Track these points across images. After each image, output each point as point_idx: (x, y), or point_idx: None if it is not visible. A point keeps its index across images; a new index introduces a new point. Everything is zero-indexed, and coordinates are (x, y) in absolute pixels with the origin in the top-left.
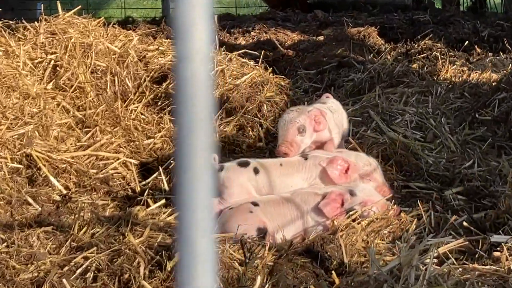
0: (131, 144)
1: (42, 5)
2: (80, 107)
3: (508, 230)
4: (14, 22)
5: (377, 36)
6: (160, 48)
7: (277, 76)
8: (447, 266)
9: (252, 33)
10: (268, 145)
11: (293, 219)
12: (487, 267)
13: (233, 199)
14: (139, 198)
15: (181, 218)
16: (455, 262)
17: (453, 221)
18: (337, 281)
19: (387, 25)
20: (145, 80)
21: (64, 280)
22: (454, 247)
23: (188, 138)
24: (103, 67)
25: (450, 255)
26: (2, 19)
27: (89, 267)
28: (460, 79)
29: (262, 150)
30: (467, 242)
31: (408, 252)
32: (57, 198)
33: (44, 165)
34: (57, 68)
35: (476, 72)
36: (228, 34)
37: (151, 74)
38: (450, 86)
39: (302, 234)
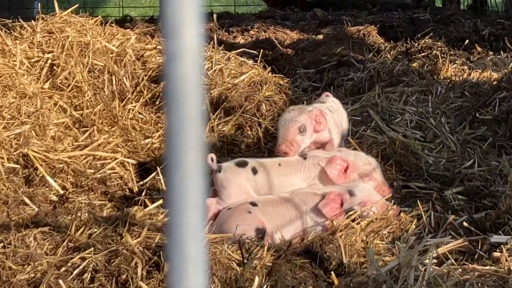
0: (128, 144)
1: (39, 3)
2: (77, 107)
3: (508, 231)
4: (10, 20)
5: (377, 35)
6: (158, 47)
7: (276, 75)
8: (447, 267)
9: (251, 32)
10: (267, 145)
11: (292, 220)
12: (487, 267)
13: (231, 199)
14: (136, 198)
15: (171, 218)
16: (454, 263)
17: (452, 221)
18: (336, 281)
19: (387, 23)
20: (143, 79)
21: (60, 281)
22: (453, 248)
23: (178, 137)
24: (101, 66)
25: (449, 256)
26: None
27: (86, 268)
28: (461, 78)
29: (260, 150)
30: (466, 243)
31: (407, 253)
32: (54, 198)
33: (41, 165)
34: (54, 67)
35: (476, 71)
36: (226, 33)
37: (149, 73)
38: (450, 85)
39: (301, 235)
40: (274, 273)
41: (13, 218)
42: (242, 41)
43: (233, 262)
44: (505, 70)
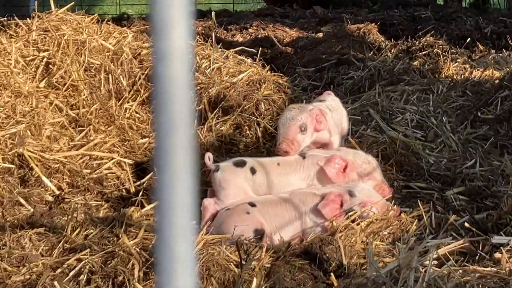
0: (125, 143)
1: (35, 1)
2: (73, 106)
3: (510, 231)
4: (5, 18)
5: (378, 33)
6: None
7: (275, 74)
8: (447, 268)
9: (250, 30)
10: (266, 145)
11: (291, 220)
12: (488, 269)
13: (229, 200)
14: (133, 199)
15: (160, 218)
16: (455, 264)
17: (453, 222)
18: (335, 283)
19: (387, 21)
20: (140, 78)
21: (56, 282)
22: (455, 249)
23: (167, 137)
24: (97, 64)
25: (450, 257)
26: None
27: (82, 269)
28: (462, 76)
29: (259, 150)
30: (467, 243)
31: (407, 254)
32: (50, 198)
33: (37, 165)
34: (50, 66)
35: (478, 70)
36: (225, 31)
37: (146, 72)
38: (451, 84)
39: (300, 235)
40: (272, 275)
41: (8, 219)
42: (240, 39)
43: (231, 263)
44: (507, 69)
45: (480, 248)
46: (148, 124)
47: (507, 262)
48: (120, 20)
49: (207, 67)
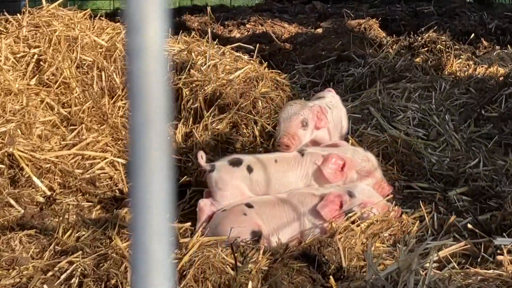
0: (118, 142)
1: None
2: (65, 104)
3: None
4: None
5: (379, 29)
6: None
7: (273, 70)
8: (448, 271)
9: (247, 26)
10: (263, 144)
11: (289, 222)
12: (490, 271)
13: (226, 201)
14: (126, 200)
15: (135, 221)
16: (456, 266)
17: (454, 221)
18: (334, 286)
19: (389, 17)
20: None
21: (47, 286)
22: (458, 251)
23: (141, 136)
24: (89, 61)
25: (451, 259)
26: None
27: (74, 272)
28: (466, 73)
29: (256, 149)
30: (469, 245)
31: (407, 256)
32: (41, 199)
33: (27, 165)
34: (41, 63)
35: (482, 66)
36: (222, 27)
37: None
38: (455, 81)
39: (298, 237)
40: (270, 278)
41: None
42: (238, 35)
43: (227, 266)
44: None
45: (484, 250)
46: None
47: (509, 264)
48: (114, 15)
49: (203, 64)
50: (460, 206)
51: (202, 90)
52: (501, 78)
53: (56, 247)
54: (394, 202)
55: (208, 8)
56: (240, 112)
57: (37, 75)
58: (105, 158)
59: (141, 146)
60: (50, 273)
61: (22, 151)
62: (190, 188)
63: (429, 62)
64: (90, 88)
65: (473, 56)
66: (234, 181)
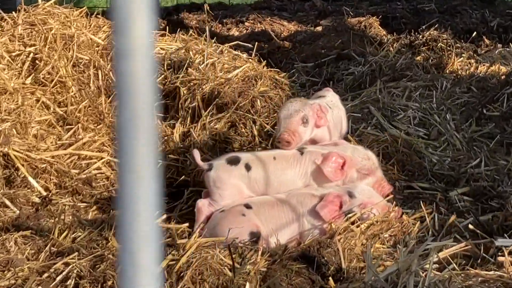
0: (115, 142)
1: None
2: (61, 103)
3: None
4: None
5: (379, 27)
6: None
7: (272, 69)
8: (448, 272)
9: (246, 24)
10: (262, 143)
11: (288, 222)
12: (491, 272)
13: (224, 200)
14: None
15: (122, 223)
16: (456, 268)
17: (455, 222)
18: None
19: (389, 14)
20: None
21: None
22: (458, 252)
23: (129, 137)
24: (86, 60)
25: (451, 260)
26: None
27: (70, 274)
28: (467, 72)
29: (255, 149)
30: (469, 246)
31: (406, 257)
32: (37, 200)
33: (23, 165)
34: (37, 62)
35: (484, 65)
36: (220, 25)
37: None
38: (456, 79)
39: (297, 238)
40: (268, 279)
41: None
42: (236, 34)
43: (225, 267)
44: None
45: (485, 251)
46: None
47: (510, 265)
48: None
49: (201, 63)
50: (461, 206)
51: (200, 89)
52: (503, 77)
53: (52, 248)
54: (394, 202)
55: (206, 6)
56: (238, 111)
57: (33, 74)
58: (102, 158)
59: (128, 147)
60: (45, 275)
61: (17, 151)
62: (187, 188)
63: (430, 60)
64: (86, 87)
65: (475, 55)
66: (232, 180)
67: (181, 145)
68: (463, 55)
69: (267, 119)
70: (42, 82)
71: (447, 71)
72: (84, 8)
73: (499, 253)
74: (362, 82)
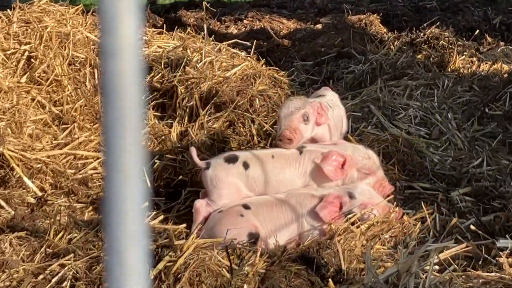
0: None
1: None
2: (57, 102)
3: None
4: None
5: (380, 24)
6: (143, 37)
7: (271, 68)
8: (449, 274)
9: (245, 21)
10: (261, 143)
11: (287, 223)
12: (492, 274)
13: (222, 200)
14: None
15: (109, 223)
16: (457, 269)
17: (457, 223)
18: None
19: (390, 12)
20: None
21: None
22: (460, 253)
23: (116, 138)
24: (82, 58)
25: (452, 262)
26: None
27: (65, 276)
28: (469, 70)
29: (253, 148)
30: (470, 247)
31: (407, 258)
32: (32, 200)
33: (18, 165)
34: (32, 60)
35: (486, 63)
36: (218, 23)
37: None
38: (458, 78)
39: (296, 239)
40: (267, 281)
41: None
42: (235, 31)
43: (223, 269)
44: None
45: (487, 252)
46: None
47: (510, 267)
48: None
49: (199, 61)
50: (463, 207)
51: (198, 87)
52: (505, 75)
53: (48, 249)
54: (395, 203)
55: (204, 3)
56: (236, 110)
57: (28, 73)
58: (98, 158)
59: (115, 146)
60: (41, 276)
61: (12, 151)
62: (185, 188)
63: (431, 58)
64: (82, 85)
65: (477, 53)
66: (230, 178)
67: (179, 145)
68: (465, 53)
69: (266, 118)
70: (37, 81)
71: (449, 70)
72: (80, 5)
73: (501, 254)
74: (362, 81)
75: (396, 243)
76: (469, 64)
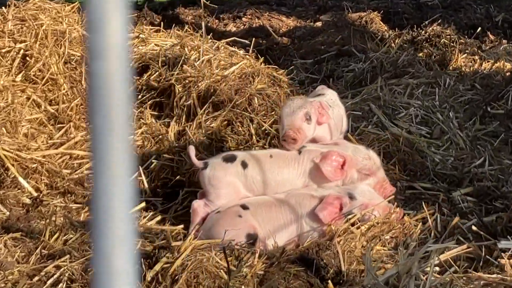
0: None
1: None
2: (53, 101)
3: None
4: None
5: (381, 22)
6: (140, 35)
7: (270, 66)
8: (450, 275)
9: (243, 19)
10: (259, 142)
11: (286, 224)
12: (494, 275)
13: (220, 200)
14: None
15: (96, 226)
16: (458, 270)
17: (458, 223)
18: None
19: (391, 9)
20: None
21: None
22: (461, 254)
23: (103, 140)
24: (78, 56)
25: (453, 263)
26: None
27: (61, 277)
28: (471, 69)
29: (252, 148)
30: (472, 248)
31: (407, 260)
32: (27, 201)
33: (13, 165)
34: (27, 58)
35: (488, 61)
36: (216, 20)
37: (130, 65)
38: (459, 76)
39: (296, 240)
40: (265, 282)
41: None
42: (233, 29)
43: (221, 270)
44: None
45: (489, 253)
46: (133, 120)
47: (511, 268)
48: None
49: (196, 59)
50: (464, 207)
51: (196, 86)
52: (507, 74)
53: (43, 250)
54: (396, 203)
55: (203, 0)
56: (235, 109)
57: (23, 71)
58: None
59: (103, 145)
60: (36, 278)
61: (7, 151)
62: (183, 189)
63: (433, 57)
64: (78, 84)
65: (479, 51)
66: (228, 178)
67: (176, 144)
68: (466, 51)
69: (264, 117)
70: (32, 80)
71: (450, 68)
72: (76, 3)
73: (503, 256)
74: (362, 79)
75: (397, 244)
76: (471, 62)
